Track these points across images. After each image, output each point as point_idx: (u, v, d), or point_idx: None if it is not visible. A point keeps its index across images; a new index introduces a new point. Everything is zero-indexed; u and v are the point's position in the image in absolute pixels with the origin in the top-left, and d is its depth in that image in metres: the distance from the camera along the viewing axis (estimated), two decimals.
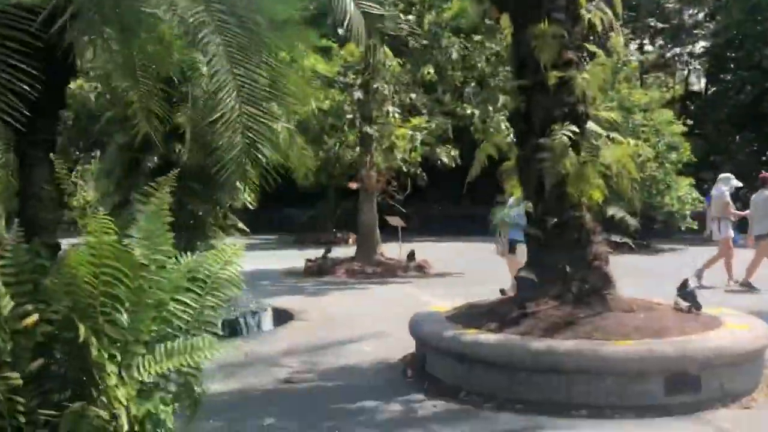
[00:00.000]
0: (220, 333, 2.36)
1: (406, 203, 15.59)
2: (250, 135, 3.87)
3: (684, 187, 17.11)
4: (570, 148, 5.37)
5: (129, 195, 7.42)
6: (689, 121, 18.57)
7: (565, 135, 5.31)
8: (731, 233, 10.51)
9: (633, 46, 24.99)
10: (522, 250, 6.72)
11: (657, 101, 18.32)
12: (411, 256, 13.43)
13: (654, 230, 17.75)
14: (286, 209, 23.62)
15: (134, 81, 4.39)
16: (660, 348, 4.55)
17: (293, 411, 4.58)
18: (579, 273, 5.36)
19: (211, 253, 2.47)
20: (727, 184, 10.73)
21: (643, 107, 17.75)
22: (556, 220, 5.48)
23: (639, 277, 10.71)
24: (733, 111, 24.34)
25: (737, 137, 24.62)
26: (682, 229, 17.79)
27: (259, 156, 3.87)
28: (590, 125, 5.68)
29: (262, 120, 3.90)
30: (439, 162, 14.30)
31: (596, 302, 5.24)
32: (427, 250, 15.51)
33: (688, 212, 17.32)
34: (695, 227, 17.81)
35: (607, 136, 5.75)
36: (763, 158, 26.20)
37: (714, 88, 27.53)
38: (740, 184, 11.08)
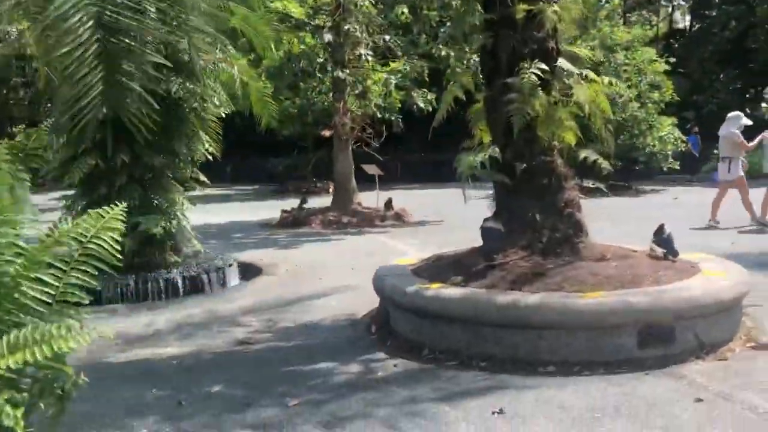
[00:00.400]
0: (86, 317, 2.02)
1: (384, 151, 15.18)
2: (113, 73, 3.30)
3: (666, 127, 16.81)
4: (539, 88, 4.99)
5: (78, 149, 7.01)
6: (672, 59, 18.13)
7: (534, 74, 4.92)
8: (742, 172, 10.47)
9: None
10: None
11: (640, 39, 17.83)
12: (388, 204, 13.11)
13: (636, 171, 17.52)
14: (271, 159, 23.17)
15: None
16: (631, 299, 4.28)
17: (244, 376, 4.31)
18: (549, 221, 5.06)
19: (91, 216, 2.09)
20: (736, 123, 10.51)
21: (626, 46, 17.29)
22: (524, 165, 5.15)
23: (618, 220, 10.53)
24: (717, 48, 23.88)
25: (721, 75, 24.22)
26: (664, 169, 17.57)
27: (127, 99, 3.34)
28: (561, 62, 5.29)
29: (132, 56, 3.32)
30: (415, 107, 13.84)
31: (567, 252, 4.96)
32: (407, 198, 15.21)
33: (669, 152, 17.07)
34: (677, 167, 17.60)
35: (580, 74, 5.36)
36: (747, 96, 25.91)
37: (698, 25, 26.97)
38: (750, 122, 10.76)
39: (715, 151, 11.70)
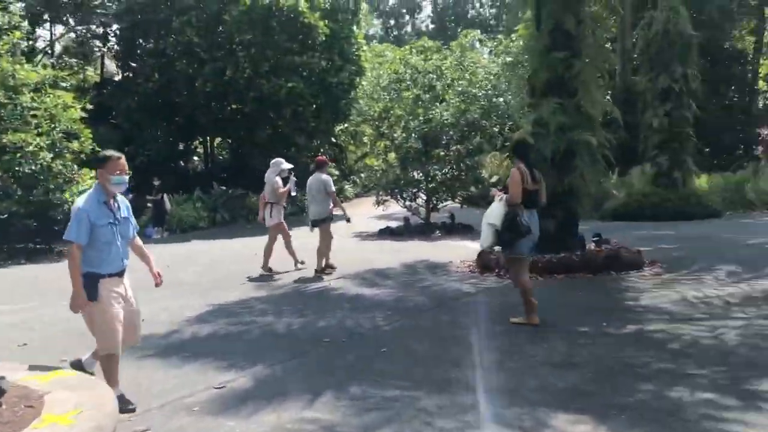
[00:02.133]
0: None
1: None
2: None
3: (87, 179, 15.10)
4: None
5: None
6: (89, 107, 16.58)
7: None
8: (282, 217, 10.91)
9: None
10: None
11: (52, 81, 15.74)
12: None
13: (58, 231, 15.29)
14: None
15: None
16: None
17: None
18: None
19: None
20: (277, 168, 10.89)
21: (35, 87, 15.00)
22: None
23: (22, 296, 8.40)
24: (144, 99, 23.56)
25: (150, 128, 23.97)
26: None
27: None
28: None
29: None
30: None
31: None
32: None
33: None
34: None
35: None
36: (179, 148, 26.50)
37: (126, 74, 26.38)
38: (291, 166, 11.24)
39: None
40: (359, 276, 9.99)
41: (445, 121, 15.99)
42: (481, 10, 75.98)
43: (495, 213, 6.41)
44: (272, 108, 22.68)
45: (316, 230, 10.41)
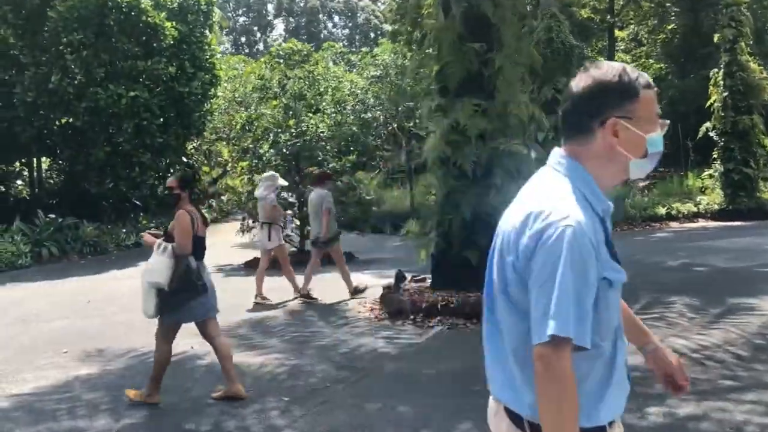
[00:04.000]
0: None
1: None
2: None
3: None
4: None
5: None
6: None
7: None
8: (282, 239, 9.90)
9: None
10: None
11: None
12: None
13: None
14: None
15: None
16: None
17: None
18: None
19: None
20: (271, 185, 9.52)
21: None
22: None
23: None
24: None
25: None
26: None
27: None
28: None
29: None
30: None
31: None
32: None
33: None
34: None
35: None
36: None
37: None
38: (285, 183, 10.34)
39: None
40: (231, 332, 7.50)
41: (321, 134, 13.81)
42: (334, 30, 75.15)
43: (157, 268, 4.94)
44: (110, 121, 19.33)
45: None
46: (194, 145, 23.07)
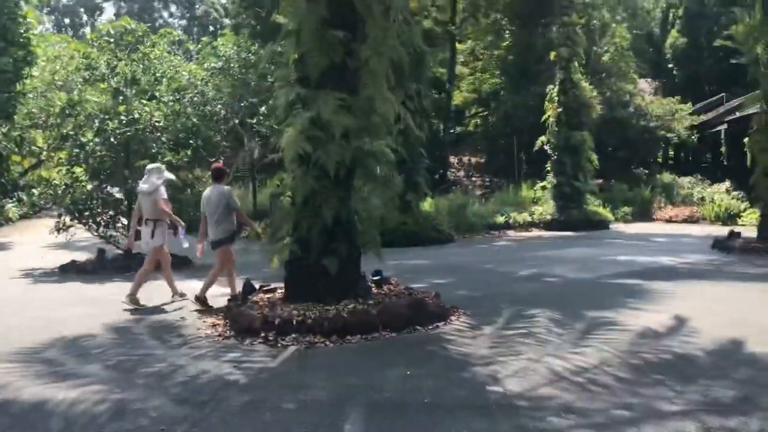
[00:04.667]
0: None
1: None
2: None
3: None
4: None
5: None
6: None
7: None
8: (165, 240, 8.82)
9: None
10: None
11: None
12: None
13: None
14: None
15: None
16: None
17: None
18: None
19: None
20: (160, 176, 8.80)
21: None
22: None
23: None
24: None
25: None
26: None
27: None
28: None
29: None
30: None
31: None
32: None
33: None
34: None
35: None
36: None
37: None
38: (172, 176, 9.38)
39: None
40: (38, 356, 6.12)
41: (157, 123, 12.34)
42: (171, 20, 71.14)
43: None
44: None
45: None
46: (2, 130, 20.15)
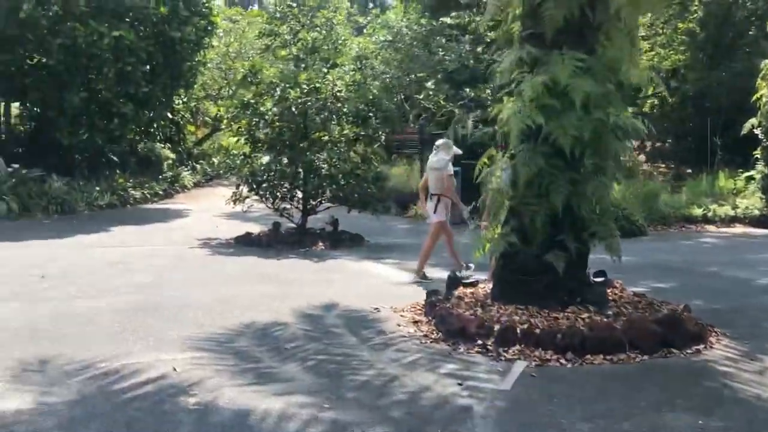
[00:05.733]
0: None
1: None
2: None
3: None
4: None
5: None
6: None
7: None
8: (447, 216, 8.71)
9: None
10: None
11: None
12: None
13: None
14: None
15: None
16: None
17: None
18: None
19: None
20: (449, 152, 8.57)
21: None
22: None
23: None
24: None
25: None
26: None
27: None
28: None
29: None
30: None
31: None
32: None
33: None
34: None
35: None
36: None
37: None
38: (460, 151, 8.94)
39: None
40: (230, 346, 5.42)
41: (338, 93, 11.62)
42: None
43: None
44: (89, 64, 16.92)
45: None
46: (182, 99, 20.70)
